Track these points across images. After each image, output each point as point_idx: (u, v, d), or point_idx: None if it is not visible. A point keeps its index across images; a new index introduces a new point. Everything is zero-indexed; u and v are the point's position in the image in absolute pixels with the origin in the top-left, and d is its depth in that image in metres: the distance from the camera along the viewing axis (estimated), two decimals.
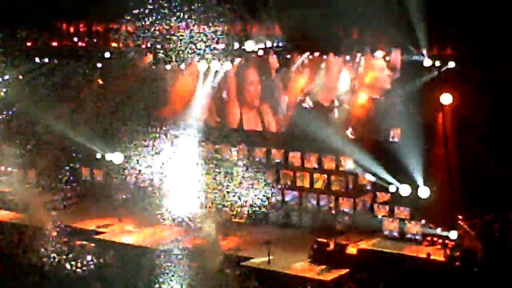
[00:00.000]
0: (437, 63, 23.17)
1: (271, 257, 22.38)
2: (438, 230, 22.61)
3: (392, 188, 24.21)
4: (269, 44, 25.65)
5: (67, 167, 27.98)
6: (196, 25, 26.41)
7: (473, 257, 20.93)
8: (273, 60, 27.11)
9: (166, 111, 29.75)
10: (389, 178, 24.21)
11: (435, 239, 22.61)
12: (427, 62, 23.23)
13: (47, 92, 28.89)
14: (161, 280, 20.72)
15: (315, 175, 26.16)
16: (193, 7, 25.48)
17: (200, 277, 20.83)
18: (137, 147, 27.74)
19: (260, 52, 26.29)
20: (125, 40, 28.63)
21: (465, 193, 22.76)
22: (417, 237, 22.96)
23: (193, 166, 27.52)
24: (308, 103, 26.90)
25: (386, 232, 23.62)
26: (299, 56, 26.49)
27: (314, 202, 26.32)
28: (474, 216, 22.31)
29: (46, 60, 29.08)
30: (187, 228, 23.78)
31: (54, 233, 25.35)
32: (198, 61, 26.99)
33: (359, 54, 24.95)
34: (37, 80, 28.95)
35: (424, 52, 23.57)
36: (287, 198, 26.88)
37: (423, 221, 23.12)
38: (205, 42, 26.16)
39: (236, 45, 25.96)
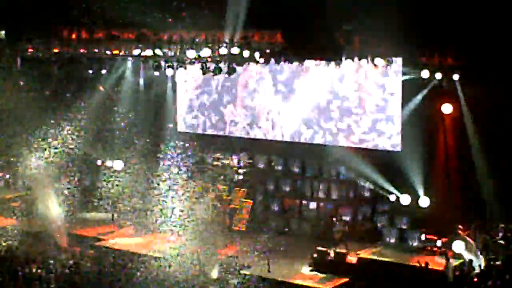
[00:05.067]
0: (438, 73, 23.14)
1: (271, 265, 22.41)
2: (438, 241, 22.66)
3: (392, 197, 24.23)
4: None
5: (68, 174, 27.93)
6: (196, 31, 26.53)
7: (473, 266, 20.93)
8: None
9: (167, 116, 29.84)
10: (389, 187, 24.26)
11: (435, 248, 22.65)
12: (428, 72, 23.20)
13: (48, 98, 28.92)
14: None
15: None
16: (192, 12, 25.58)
17: (200, 285, 20.85)
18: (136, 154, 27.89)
19: (261, 60, 26.24)
20: (126, 47, 28.67)
21: (466, 203, 22.77)
22: (417, 247, 22.97)
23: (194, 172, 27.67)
24: None
25: (386, 241, 23.62)
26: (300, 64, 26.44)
27: (314, 210, 26.42)
28: (474, 226, 22.32)
29: (47, 66, 28.98)
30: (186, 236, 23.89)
31: (55, 240, 25.43)
32: (201, 68, 26.91)
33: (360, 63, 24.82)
34: (37, 86, 28.93)
35: (425, 61, 23.57)
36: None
37: (423, 231, 23.13)
38: (206, 48, 26.23)
39: (238, 53, 25.83)
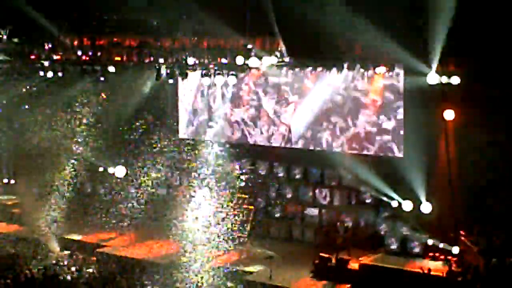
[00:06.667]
0: (440, 79, 23.11)
1: (272, 272, 22.37)
2: (440, 246, 22.65)
3: (394, 203, 24.21)
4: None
5: (70, 180, 27.99)
6: (200, 39, 26.59)
7: (475, 272, 20.89)
8: None
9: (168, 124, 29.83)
10: (391, 193, 24.23)
11: (437, 254, 22.64)
12: (430, 78, 23.18)
13: (50, 105, 28.95)
14: None
15: None
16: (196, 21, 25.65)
17: None
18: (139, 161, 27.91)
19: (263, 67, 26.25)
20: (128, 54, 28.72)
21: (467, 208, 22.75)
22: (419, 253, 22.95)
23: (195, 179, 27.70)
24: None
25: (388, 248, 23.60)
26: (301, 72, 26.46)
27: (316, 216, 26.41)
28: (476, 232, 22.30)
29: (50, 73, 28.99)
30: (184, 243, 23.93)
31: (57, 247, 25.47)
32: (202, 76, 26.95)
33: (362, 70, 24.81)
34: (39, 93, 28.99)
35: (427, 67, 23.56)
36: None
37: (425, 237, 23.11)
38: (209, 57, 26.29)
39: (240, 60, 25.86)
